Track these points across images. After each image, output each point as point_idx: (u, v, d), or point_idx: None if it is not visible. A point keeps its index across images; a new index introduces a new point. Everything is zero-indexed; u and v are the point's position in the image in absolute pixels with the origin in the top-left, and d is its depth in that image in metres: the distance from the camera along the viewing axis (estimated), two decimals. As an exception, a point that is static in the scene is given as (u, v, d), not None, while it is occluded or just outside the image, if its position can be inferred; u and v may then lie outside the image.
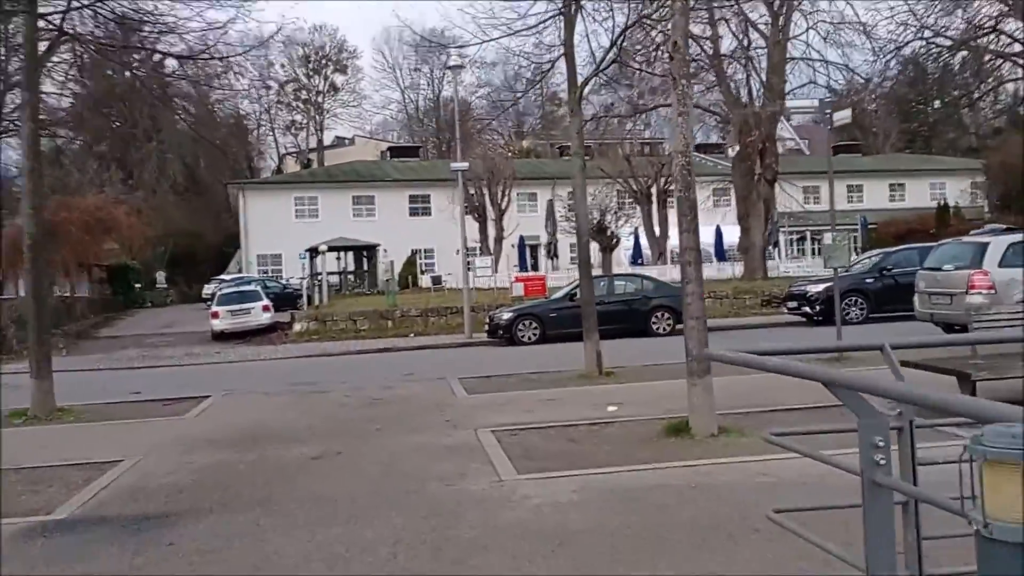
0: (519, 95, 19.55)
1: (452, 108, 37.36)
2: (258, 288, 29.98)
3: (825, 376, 3.03)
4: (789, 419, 8.81)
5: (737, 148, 32.61)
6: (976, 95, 44.15)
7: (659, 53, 17.99)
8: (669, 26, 8.63)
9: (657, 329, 20.26)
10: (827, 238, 12.49)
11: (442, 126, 69.40)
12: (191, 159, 55.93)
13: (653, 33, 14.86)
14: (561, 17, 11.99)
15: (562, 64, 12.39)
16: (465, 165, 23.86)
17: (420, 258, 45.94)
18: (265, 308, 27.17)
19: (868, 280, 20.38)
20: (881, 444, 2.99)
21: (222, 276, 44.07)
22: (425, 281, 40.11)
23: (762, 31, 31.69)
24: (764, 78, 31.25)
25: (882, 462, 3.01)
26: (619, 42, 11.95)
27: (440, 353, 19.61)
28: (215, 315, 26.67)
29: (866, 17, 48.78)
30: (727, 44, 31.52)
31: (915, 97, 58.51)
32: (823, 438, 7.57)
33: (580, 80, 12.17)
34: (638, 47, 18.79)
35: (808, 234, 45.51)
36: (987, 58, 35.14)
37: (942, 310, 15.20)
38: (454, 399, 11.48)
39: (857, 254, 37.31)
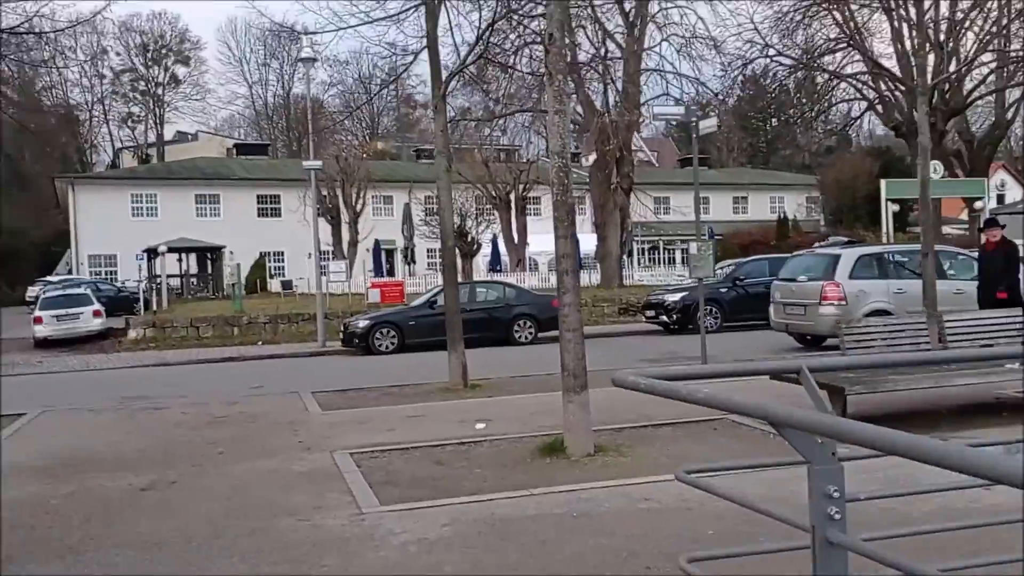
0: (379, 88, 18.72)
1: (304, 105, 35.92)
2: (88, 291, 27.65)
3: (775, 415, 2.50)
4: (661, 435, 8.50)
5: (593, 157, 32.85)
6: (810, 115, 46.83)
7: (523, 53, 17.76)
8: (543, 23, 8.14)
9: (519, 337, 19.88)
10: (692, 247, 12.40)
11: (292, 123, 67.12)
12: (15, 150, 51.49)
13: (521, 28, 14.41)
14: (423, 7, 11.32)
15: (420, 65, 11.77)
16: (318, 164, 22.72)
17: (269, 261, 44.04)
18: (96, 313, 25.02)
19: (722, 290, 20.77)
20: (836, 495, 2.51)
21: (48, 278, 40.64)
22: (275, 286, 38.34)
23: (618, 41, 32.09)
24: (620, 87, 31.63)
25: (837, 516, 2.52)
26: (486, 36, 11.42)
27: (291, 363, 18.46)
28: (38, 320, 24.34)
29: (716, 32, 50.74)
30: (585, 52, 31.73)
31: (755, 115, 61.52)
32: (678, 442, 7.17)
33: (444, 75, 11.54)
34: (496, 49, 18.41)
35: (660, 244, 46.67)
36: (825, 78, 37.07)
37: (797, 320, 15.53)
38: (307, 416, 10.55)
39: (706, 263, 38.50)
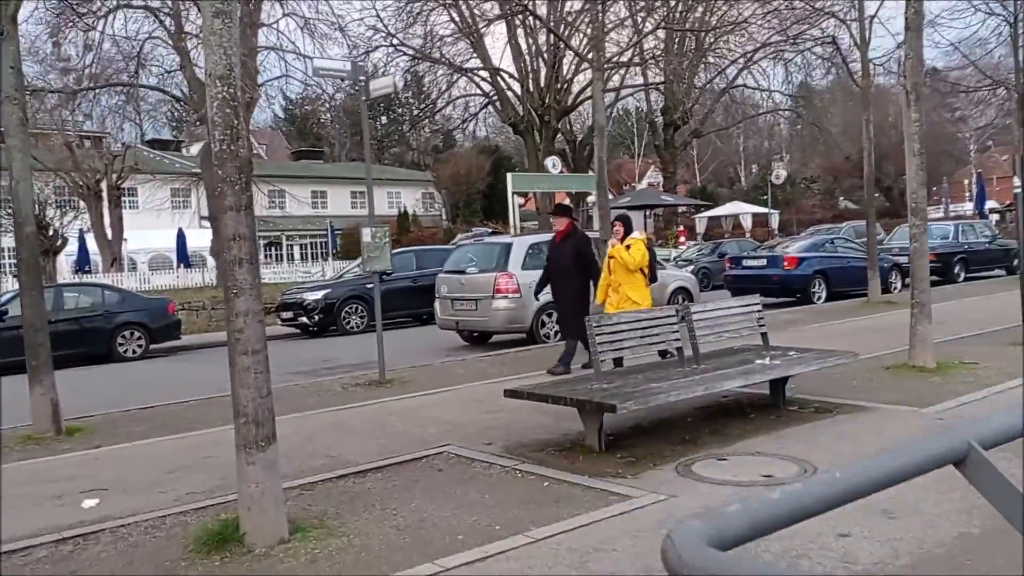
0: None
1: None
2: None
3: None
4: (373, 487, 6.10)
5: (203, 143, 28.94)
6: (418, 114, 47.07)
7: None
8: None
9: (126, 352, 16.03)
10: (366, 235, 10.14)
11: None
12: None
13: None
14: None
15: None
16: None
17: None
18: None
19: (368, 286, 18.79)
20: None
21: None
22: None
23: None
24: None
25: None
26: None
27: None
28: None
29: (341, 12, 49.38)
30: (193, 23, 27.69)
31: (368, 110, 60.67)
32: (403, 499, 4.98)
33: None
34: None
35: (283, 239, 43.63)
36: (447, 72, 36.88)
37: (467, 316, 13.98)
38: None
39: (333, 259, 36.34)
